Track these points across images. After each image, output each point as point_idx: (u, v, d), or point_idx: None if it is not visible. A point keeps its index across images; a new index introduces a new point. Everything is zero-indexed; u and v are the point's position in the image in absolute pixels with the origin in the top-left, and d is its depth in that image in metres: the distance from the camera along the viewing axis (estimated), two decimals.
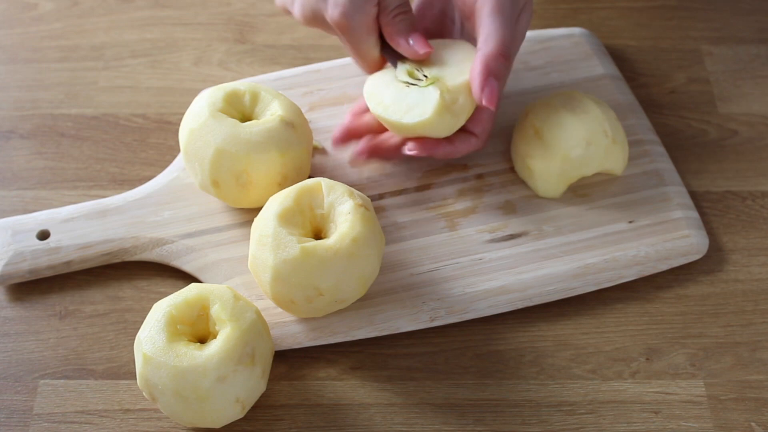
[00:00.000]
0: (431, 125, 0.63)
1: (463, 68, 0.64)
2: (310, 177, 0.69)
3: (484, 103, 0.62)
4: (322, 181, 0.61)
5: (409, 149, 0.65)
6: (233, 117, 0.64)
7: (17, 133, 0.75)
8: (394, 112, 0.64)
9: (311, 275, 0.58)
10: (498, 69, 0.62)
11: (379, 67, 0.67)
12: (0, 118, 0.75)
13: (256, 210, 0.65)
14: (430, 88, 0.63)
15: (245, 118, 0.65)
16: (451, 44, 0.66)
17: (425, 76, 0.64)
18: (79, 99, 0.77)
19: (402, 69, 0.65)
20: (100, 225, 0.67)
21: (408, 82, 0.64)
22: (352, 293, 0.60)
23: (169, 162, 0.72)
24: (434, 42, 0.66)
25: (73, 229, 0.66)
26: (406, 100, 0.64)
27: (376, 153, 0.68)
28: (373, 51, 0.66)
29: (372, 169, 0.70)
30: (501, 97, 0.64)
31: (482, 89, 0.62)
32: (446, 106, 0.63)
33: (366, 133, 0.69)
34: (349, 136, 0.69)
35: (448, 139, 0.66)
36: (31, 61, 0.79)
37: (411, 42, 0.64)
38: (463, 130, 0.66)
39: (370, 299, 0.63)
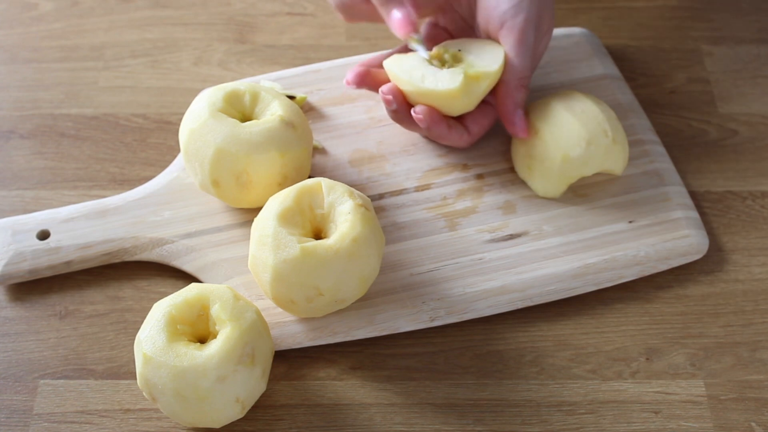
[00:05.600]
0: (457, 95, 0.64)
1: (486, 58, 0.65)
2: (310, 177, 0.69)
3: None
4: (322, 181, 0.61)
5: (417, 112, 0.65)
6: (233, 117, 0.64)
7: (17, 133, 0.75)
8: (424, 80, 0.65)
9: (311, 275, 0.58)
10: (521, 99, 0.67)
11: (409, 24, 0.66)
12: (0, 118, 0.75)
13: (256, 210, 0.65)
14: (457, 69, 0.65)
15: (245, 118, 0.65)
16: (478, 41, 0.68)
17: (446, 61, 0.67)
18: (79, 99, 0.77)
19: (425, 53, 0.66)
20: (100, 225, 0.67)
21: (432, 63, 0.66)
22: (352, 293, 0.60)
23: (169, 162, 0.72)
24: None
25: (73, 229, 0.66)
26: (435, 75, 0.65)
27: (367, 82, 0.68)
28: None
29: (372, 169, 0.70)
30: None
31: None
32: (468, 85, 0.64)
33: (385, 82, 0.68)
34: (365, 78, 0.68)
35: (446, 123, 0.66)
36: (31, 61, 0.79)
37: None
38: (461, 124, 0.68)
39: (370, 299, 0.63)
